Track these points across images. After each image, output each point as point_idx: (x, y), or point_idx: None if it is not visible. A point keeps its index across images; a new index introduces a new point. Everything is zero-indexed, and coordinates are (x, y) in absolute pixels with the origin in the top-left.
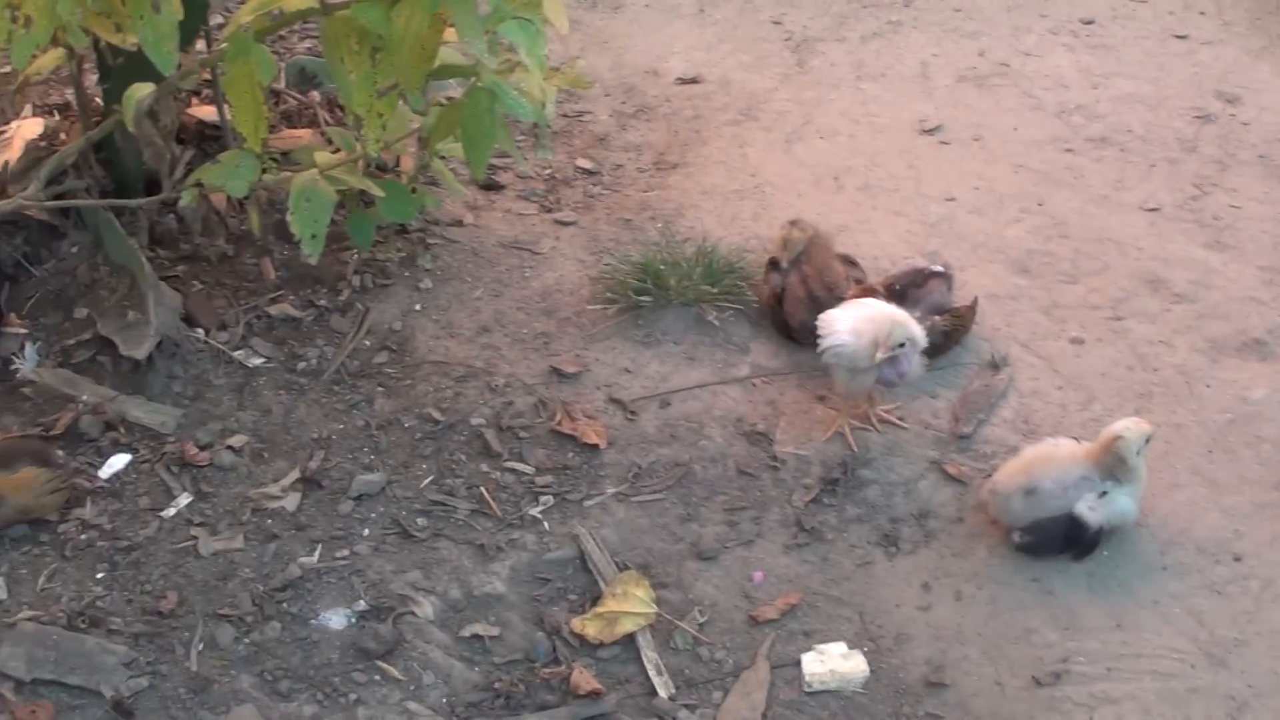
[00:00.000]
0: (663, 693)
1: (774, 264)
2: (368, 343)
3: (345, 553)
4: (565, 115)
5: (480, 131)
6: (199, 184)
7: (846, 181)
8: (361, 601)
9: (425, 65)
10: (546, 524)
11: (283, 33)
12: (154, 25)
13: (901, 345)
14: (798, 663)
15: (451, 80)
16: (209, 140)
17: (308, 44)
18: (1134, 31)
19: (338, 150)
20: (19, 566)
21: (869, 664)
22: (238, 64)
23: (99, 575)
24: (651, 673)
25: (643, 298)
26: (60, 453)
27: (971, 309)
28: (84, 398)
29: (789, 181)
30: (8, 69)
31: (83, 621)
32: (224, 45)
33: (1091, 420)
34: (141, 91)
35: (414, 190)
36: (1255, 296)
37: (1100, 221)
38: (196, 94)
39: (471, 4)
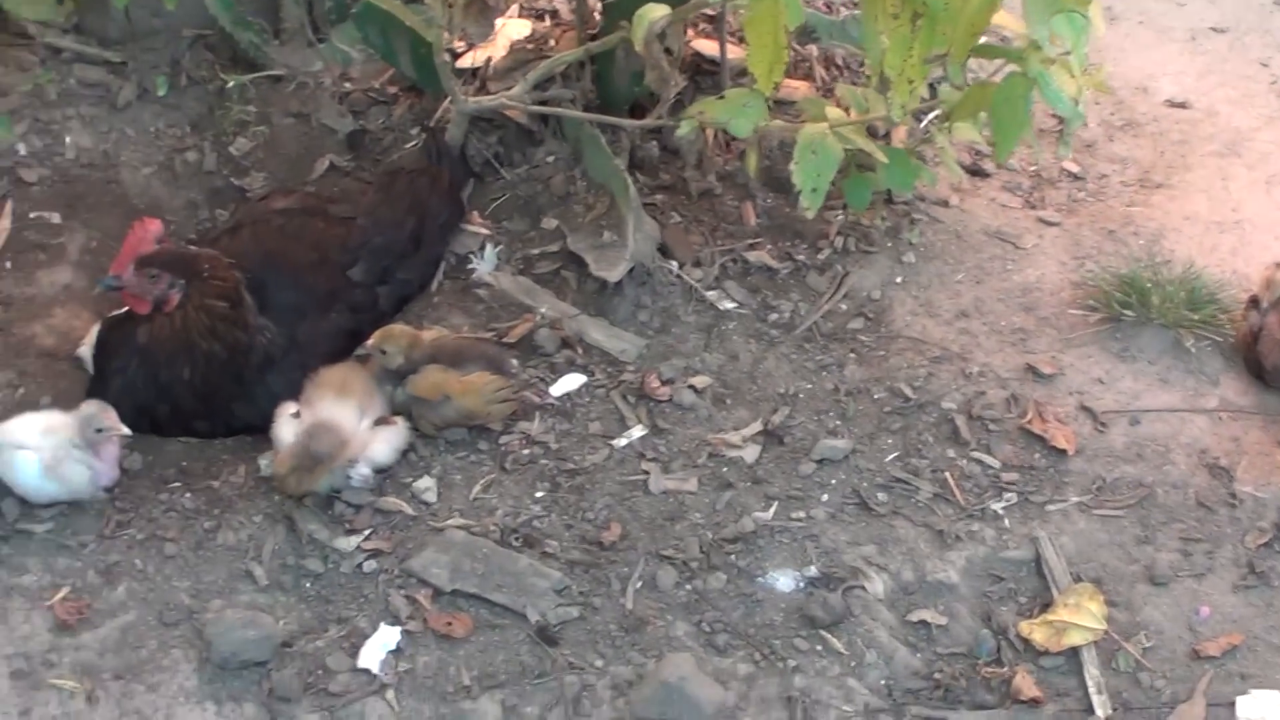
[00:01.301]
0: (1100, 712)
1: (1254, 302)
2: (844, 306)
3: (801, 515)
4: (1055, 115)
5: (1012, 117)
6: (697, 117)
7: None
8: (812, 567)
9: (971, 40)
10: (1007, 521)
11: None
12: None
13: None
14: (1233, 704)
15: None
16: (702, 74)
17: None
18: None
19: (845, 109)
20: (453, 471)
21: None
22: (764, 3)
23: (538, 494)
24: (1092, 690)
25: (1125, 311)
26: (514, 361)
27: None
28: (543, 310)
29: (1269, 222)
30: None
31: (516, 539)
32: None
33: None
34: (656, 13)
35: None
36: None
37: None
38: (693, 25)
39: None
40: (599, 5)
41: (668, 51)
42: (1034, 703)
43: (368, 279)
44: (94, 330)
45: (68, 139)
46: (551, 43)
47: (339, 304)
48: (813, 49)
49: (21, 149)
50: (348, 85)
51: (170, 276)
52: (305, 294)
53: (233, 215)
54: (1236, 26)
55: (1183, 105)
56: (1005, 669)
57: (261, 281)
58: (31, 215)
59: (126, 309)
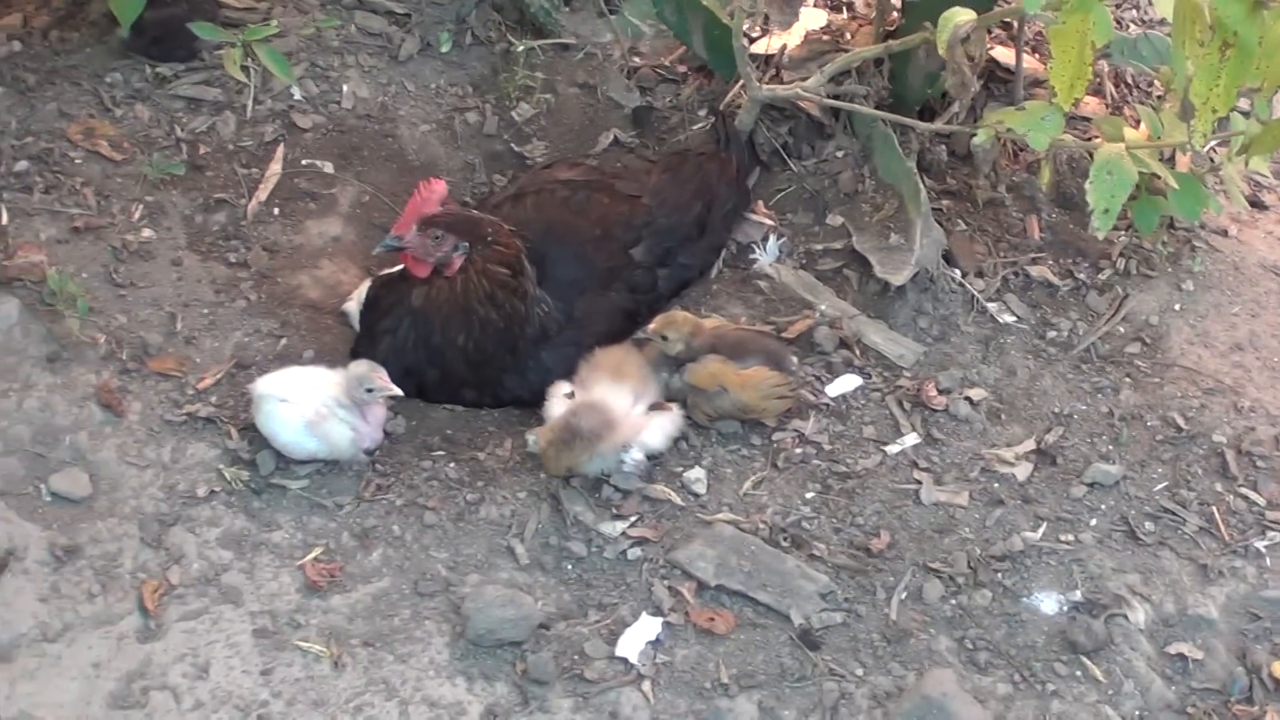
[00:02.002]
0: None
1: None
2: (1121, 329)
3: (1069, 538)
4: None
5: None
6: (995, 126)
7: None
8: (1077, 592)
9: None
10: (1269, 559)
11: None
12: None
13: None
14: None
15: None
16: (995, 81)
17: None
18: None
19: (1138, 127)
20: (724, 464)
21: None
22: (1075, 17)
23: (808, 495)
24: None
25: None
26: (794, 358)
27: None
28: (823, 308)
29: None
30: None
31: (785, 539)
32: None
33: None
34: (963, 17)
35: None
36: None
37: None
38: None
39: None
40: (899, 2)
41: (969, 57)
42: None
43: (649, 260)
44: (363, 286)
45: (345, 88)
46: (848, 36)
47: (618, 282)
48: (1103, 65)
49: (297, 93)
50: (636, 60)
51: (455, 239)
52: (585, 269)
53: (514, 182)
54: None
55: None
56: (1256, 708)
57: (542, 253)
58: (303, 162)
59: (399, 268)
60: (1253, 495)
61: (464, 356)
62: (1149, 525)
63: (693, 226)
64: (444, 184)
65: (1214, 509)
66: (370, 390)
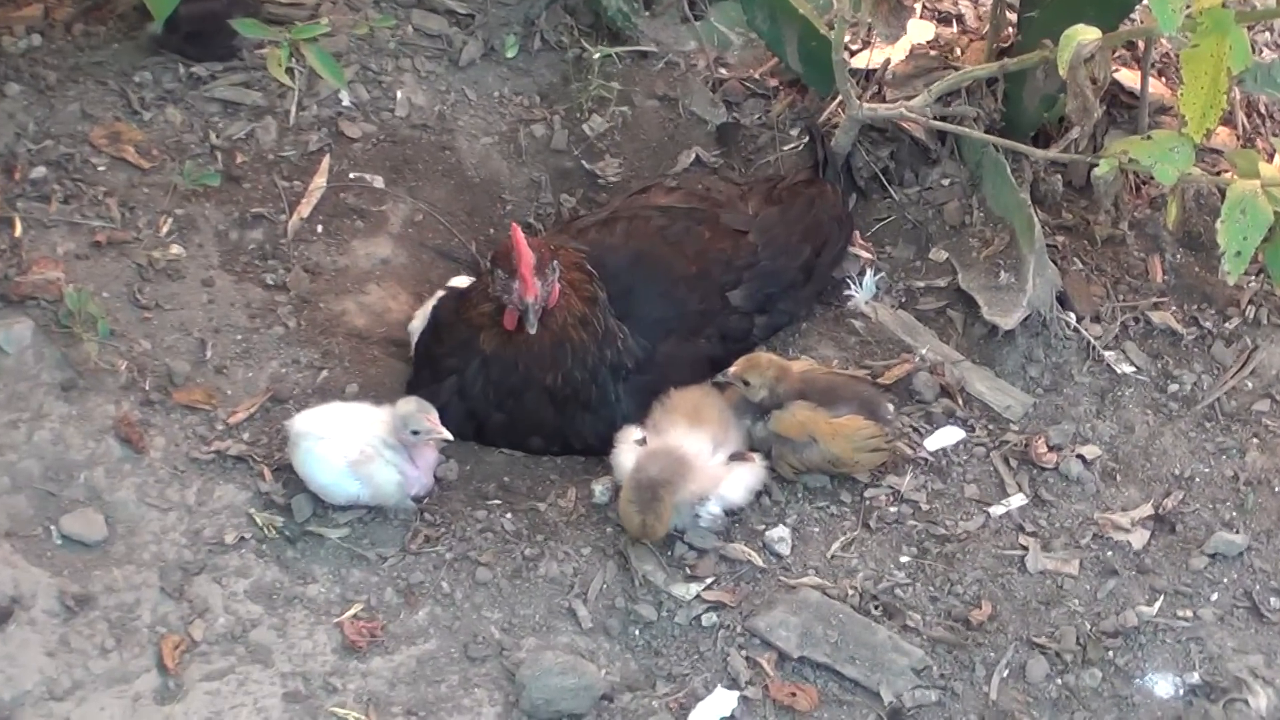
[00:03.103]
0: None
1: None
2: (1249, 384)
3: (1188, 613)
4: None
5: None
6: (1119, 157)
7: None
8: (1195, 673)
9: None
10: None
11: None
12: None
13: None
14: None
15: None
16: (1118, 107)
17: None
18: None
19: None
20: (810, 523)
21: None
22: (1209, 41)
23: (903, 559)
24: None
25: None
26: (890, 406)
27: None
28: (923, 351)
29: None
30: None
31: (876, 607)
32: (1199, 16)
33: None
34: (1086, 35)
35: None
36: None
37: None
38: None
39: None
40: (1015, 16)
41: (1091, 80)
42: None
43: (748, 306)
44: (428, 304)
45: (399, 94)
46: (958, 52)
47: (710, 328)
48: (1236, 93)
49: (346, 99)
50: (723, 71)
51: (550, 265)
52: (675, 310)
53: (606, 205)
54: None
55: None
56: None
57: (628, 286)
58: (351, 176)
59: (466, 286)
60: None
61: (549, 395)
62: (1274, 602)
63: (799, 272)
64: (516, 226)
65: None
66: (417, 432)
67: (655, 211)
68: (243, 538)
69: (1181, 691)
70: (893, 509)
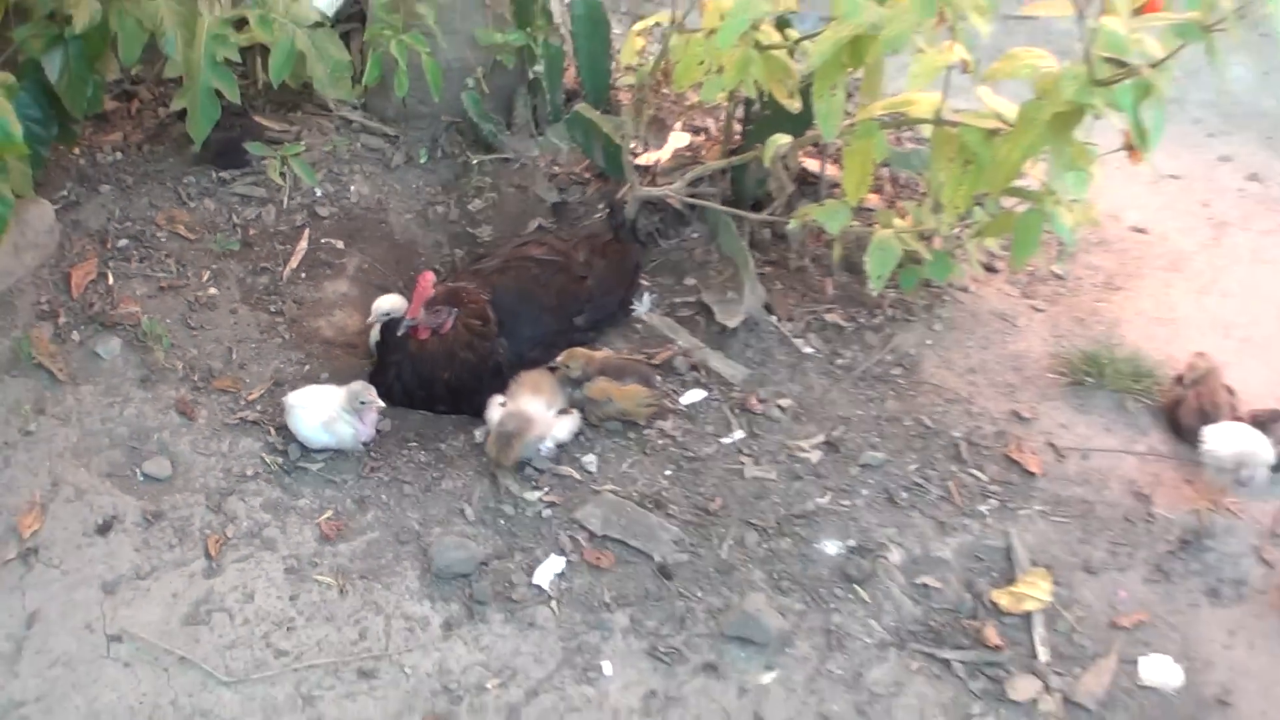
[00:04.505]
0: (1042, 658)
1: (1179, 380)
2: (889, 357)
3: (847, 503)
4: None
5: (1028, 239)
6: (802, 217)
7: (1234, 332)
8: (851, 539)
9: (1006, 184)
10: (989, 519)
11: None
12: (830, 103)
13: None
14: (1135, 662)
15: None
16: (806, 184)
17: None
18: None
19: (904, 216)
20: (608, 452)
21: (1184, 676)
22: (861, 142)
23: (667, 472)
24: (1037, 643)
25: (1086, 378)
26: (658, 377)
27: None
28: (679, 343)
29: (1197, 322)
30: (672, 96)
31: (649, 503)
32: (854, 125)
33: None
34: (782, 140)
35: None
36: None
37: None
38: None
39: (1068, 154)
40: (739, 129)
41: (786, 167)
42: (996, 648)
43: (585, 325)
44: (376, 328)
45: (352, 188)
46: (703, 152)
47: (562, 340)
48: (885, 171)
49: (318, 192)
50: (556, 168)
51: (448, 309)
52: (542, 330)
53: (498, 254)
54: (1188, 175)
55: (1142, 230)
56: (979, 622)
57: (515, 312)
58: (322, 241)
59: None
60: (978, 474)
61: (446, 386)
62: (904, 494)
63: (617, 304)
64: (431, 273)
65: (950, 484)
66: (363, 402)
67: (532, 262)
68: (257, 472)
69: (843, 551)
70: (660, 442)
